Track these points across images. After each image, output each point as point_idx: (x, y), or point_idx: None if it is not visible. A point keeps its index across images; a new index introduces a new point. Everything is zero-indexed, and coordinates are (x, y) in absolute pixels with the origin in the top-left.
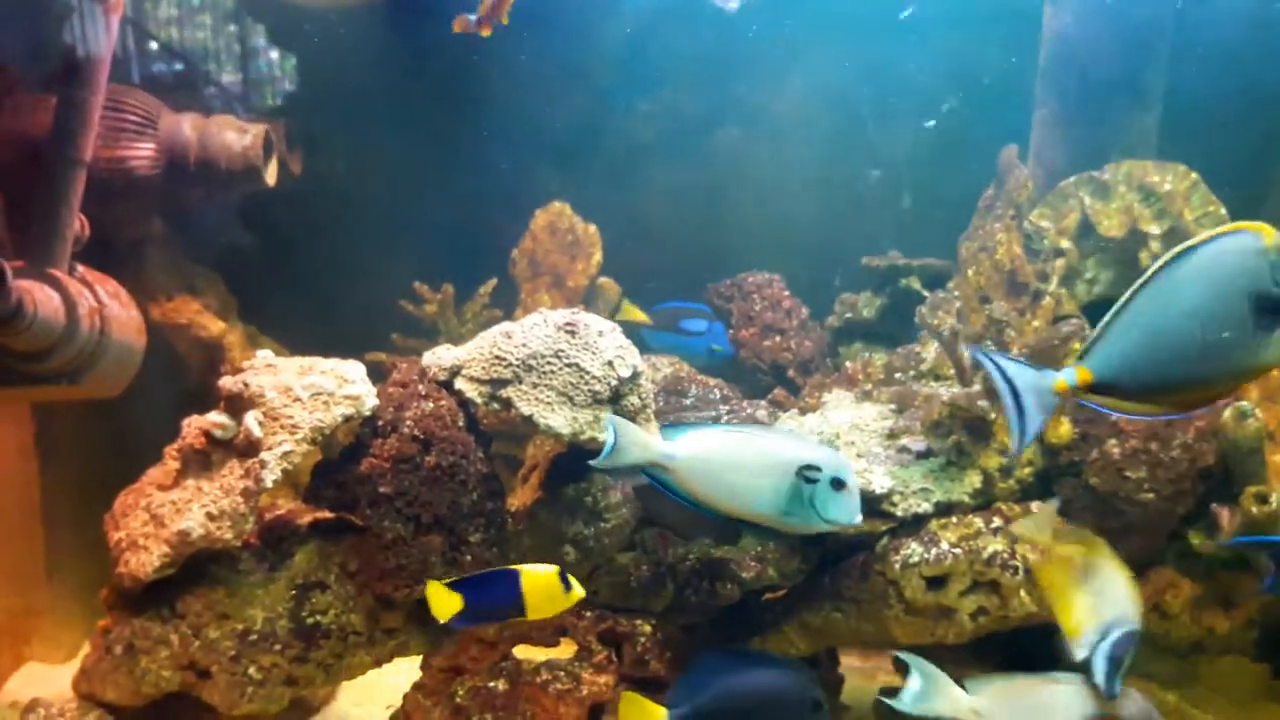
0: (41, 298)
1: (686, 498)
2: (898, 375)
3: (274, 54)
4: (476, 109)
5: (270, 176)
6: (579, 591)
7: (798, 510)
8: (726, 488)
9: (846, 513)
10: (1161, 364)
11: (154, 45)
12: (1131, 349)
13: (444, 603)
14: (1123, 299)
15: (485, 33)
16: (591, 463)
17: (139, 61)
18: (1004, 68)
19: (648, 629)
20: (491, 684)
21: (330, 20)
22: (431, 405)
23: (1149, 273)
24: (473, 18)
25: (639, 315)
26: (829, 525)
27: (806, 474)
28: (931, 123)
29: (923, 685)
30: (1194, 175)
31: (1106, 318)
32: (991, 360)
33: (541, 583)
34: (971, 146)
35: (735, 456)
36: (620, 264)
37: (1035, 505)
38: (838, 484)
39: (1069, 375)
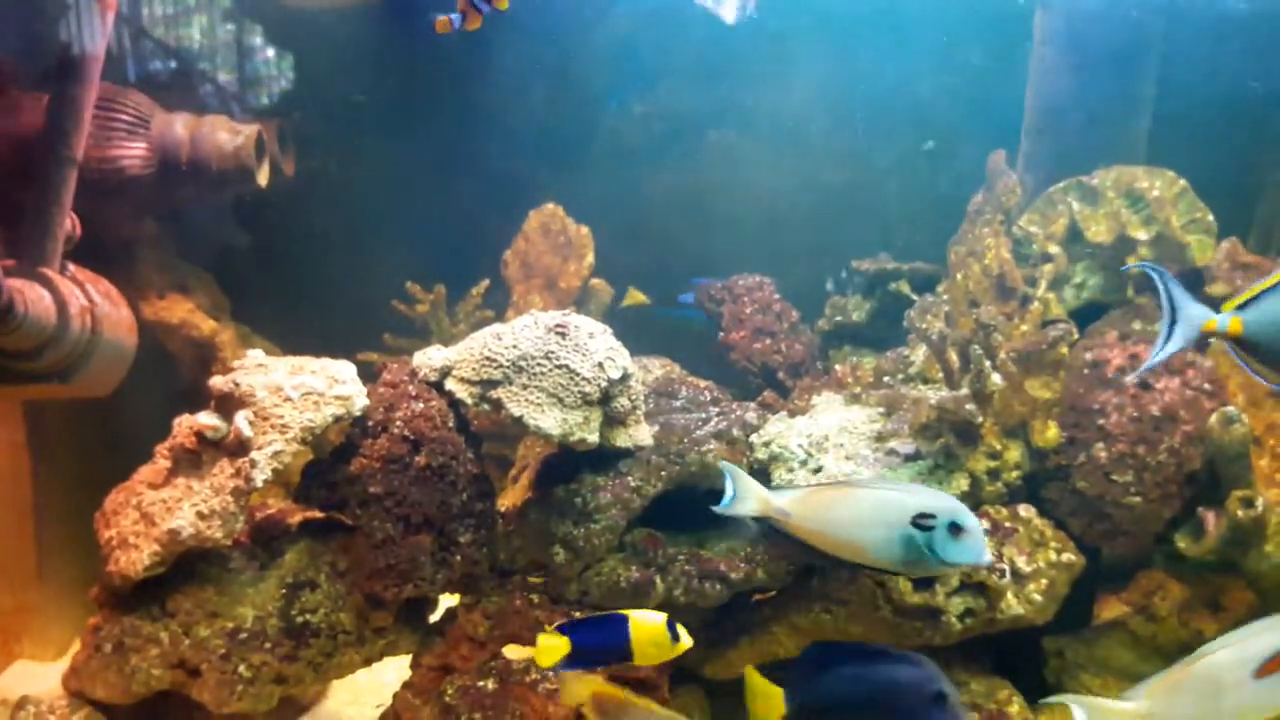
0: (33, 296)
1: (804, 547)
2: (886, 379)
3: (267, 54)
4: (469, 110)
5: (262, 177)
6: (686, 642)
7: (917, 558)
8: (842, 541)
9: (972, 554)
10: None
11: (147, 44)
12: None
13: (551, 650)
14: None
15: (472, 26)
16: (715, 508)
17: (132, 61)
18: (994, 72)
19: None
20: (481, 683)
21: (323, 21)
22: (422, 406)
23: None
24: (454, 16)
25: (641, 297)
26: (954, 568)
27: (920, 523)
28: (930, 144)
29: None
30: (1182, 182)
31: (1270, 279)
32: (1161, 278)
33: (649, 631)
34: (961, 151)
35: (848, 511)
36: (612, 266)
37: (1023, 509)
38: (955, 529)
39: (1223, 320)
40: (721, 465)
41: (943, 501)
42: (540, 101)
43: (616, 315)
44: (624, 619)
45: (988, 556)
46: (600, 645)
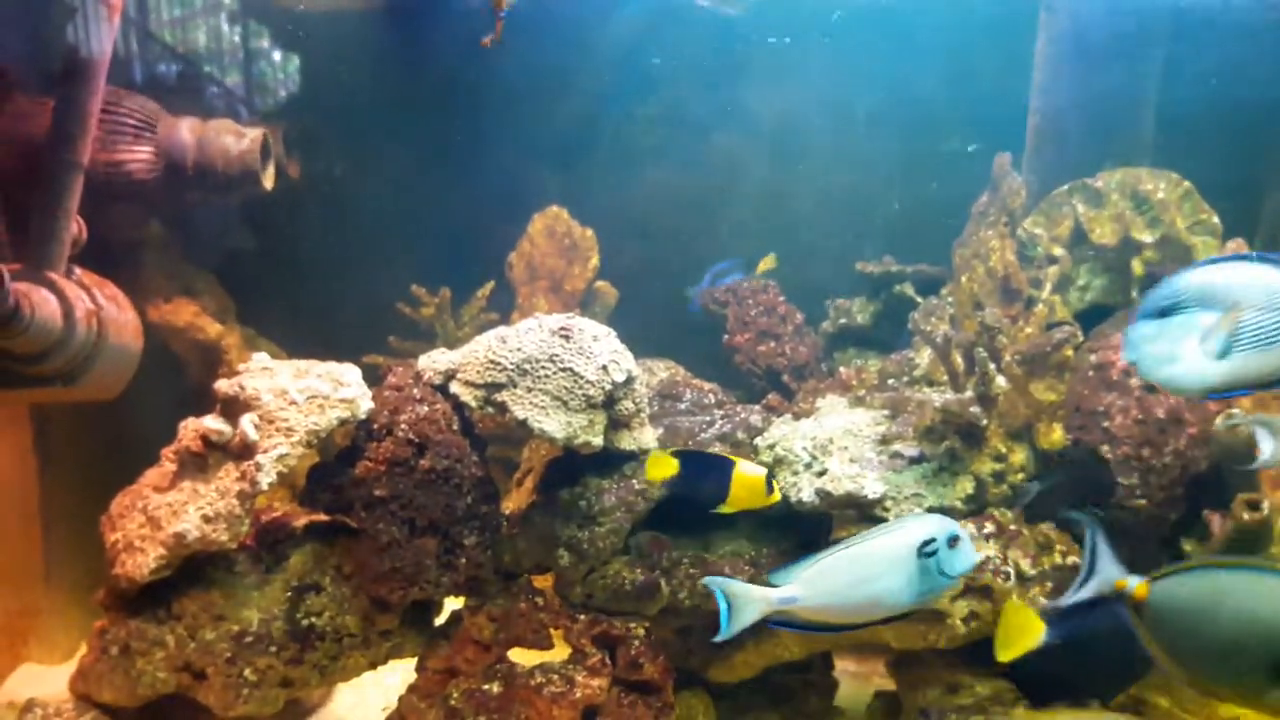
0: (39, 300)
1: (822, 628)
2: (891, 381)
3: (272, 58)
4: (474, 113)
5: (268, 180)
6: (777, 495)
7: (931, 587)
8: (863, 604)
9: (969, 560)
10: None
11: (153, 48)
12: None
13: (662, 464)
14: None
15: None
16: (716, 638)
17: (138, 65)
18: (999, 75)
19: (641, 632)
20: (486, 686)
21: (329, 24)
22: (426, 409)
23: None
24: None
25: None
26: (959, 581)
27: (925, 550)
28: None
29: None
30: (1186, 184)
31: (1192, 561)
32: (1091, 532)
33: (749, 480)
34: (966, 153)
35: (855, 572)
36: (618, 268)
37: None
38: (953, 541)
39: (1132, 582)
40: (706, 583)
41: (932, 524)
42: (545, 104)
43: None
44: (730, 464)
45: (979, 554)
46: (704, 475)
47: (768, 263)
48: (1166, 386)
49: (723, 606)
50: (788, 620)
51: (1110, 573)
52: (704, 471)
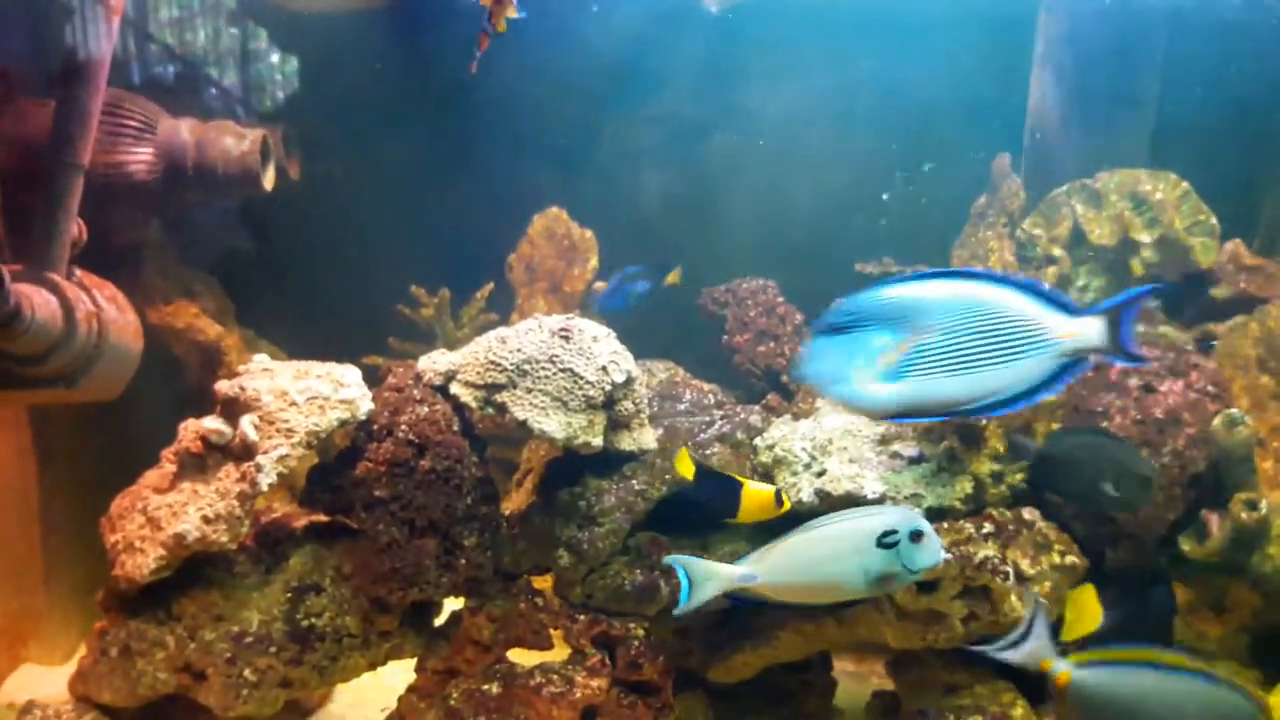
0: (39, 301)
1: (778, 605)
2: None
3: (273, 59)
4: (474, 115)
5: (268, 182)
6: (789, 505)
7: (888, 575)
8: (818, 585)
9: (932, 556)
10: None
11: (153, 49)
12: None
13: (687, 464)
14: None
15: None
16: (676, 611)
17: (138, 66)
18: (998, 76)
19: (641, 632)
20: (485, 686)
21: (329, 26)
22: (426, 410)
23: None
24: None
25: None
26: (921, 575)
27: (885, 540)
28: (928, 166)
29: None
30: (1185, 184)
31: (1127, 652)
32: (1035, 610)
33: (758, 496)
34: (965, 155)
35: (813, 553)
36: (617, 269)
37: (1027, 511)
38: (916, 535)
39: (1057, 666)
40: (667, 561)
41: (895, 515)
42: (544, 105)
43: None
44: (739, 485)
45: (944, 554)
46: (716, 493)
47: (674, 277)
48: (843, 406)
49: (684, 582)
50: (749, 599)
51: (1040, 651)
52: (716, 489)
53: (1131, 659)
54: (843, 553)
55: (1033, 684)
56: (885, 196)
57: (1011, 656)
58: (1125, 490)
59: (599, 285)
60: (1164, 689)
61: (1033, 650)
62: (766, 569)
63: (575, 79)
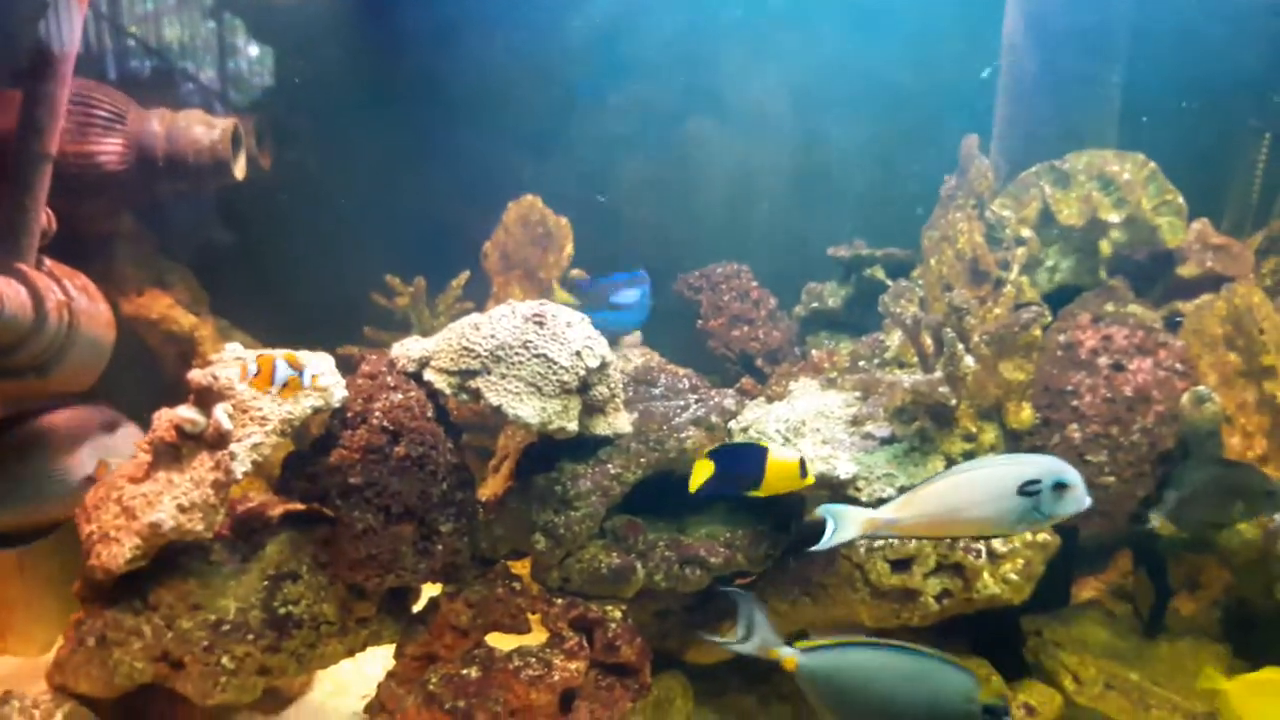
0: (9, 292)
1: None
2: (862, 363)
3: (243, 49)
4: (447, 102)
5: (239, 171)
6: (812, 478)
7: (1030, 520)
8: (956, 527)
9: (1076, 504)
10: None
11: (122, 41)
12: None
13: (702, 471)
14: None
15: None
16: (813, 549)
17: (107, 57)
18: (967, 57)
19: (618, 615)
20: (464, 671)
21: (299, 14)
22: (400, 396)
23: None
24: None
25: (566, 298)
26: (1057, 520)
27: (1027, 489)
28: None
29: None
30: (1152, 165)
31: (843, 638)
32: (744, 603)
33: (782, 466)
34: (934, 136)
35: (954, 499)
36: (592, 256)
37: None
38: (1059, 487)
39: (784, 652)
40: (821, 511)
41: (1040, 464)
42: (517, 93)
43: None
44: (763, 451)
45: (1088, 500)
46: (741, 471)
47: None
48: None
49: (829, 524)
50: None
51: (767, 640)
52: (739, 461)
53: (853, 642)
54: (984, 500)
55: (1007, 659)
56: (857, 178)
57: (745, 649)
58: (1257, 509)
59: (576, 273)
60: (884, 665)
61: (761, 642)
62: (906, 513)
63: (548, 66)
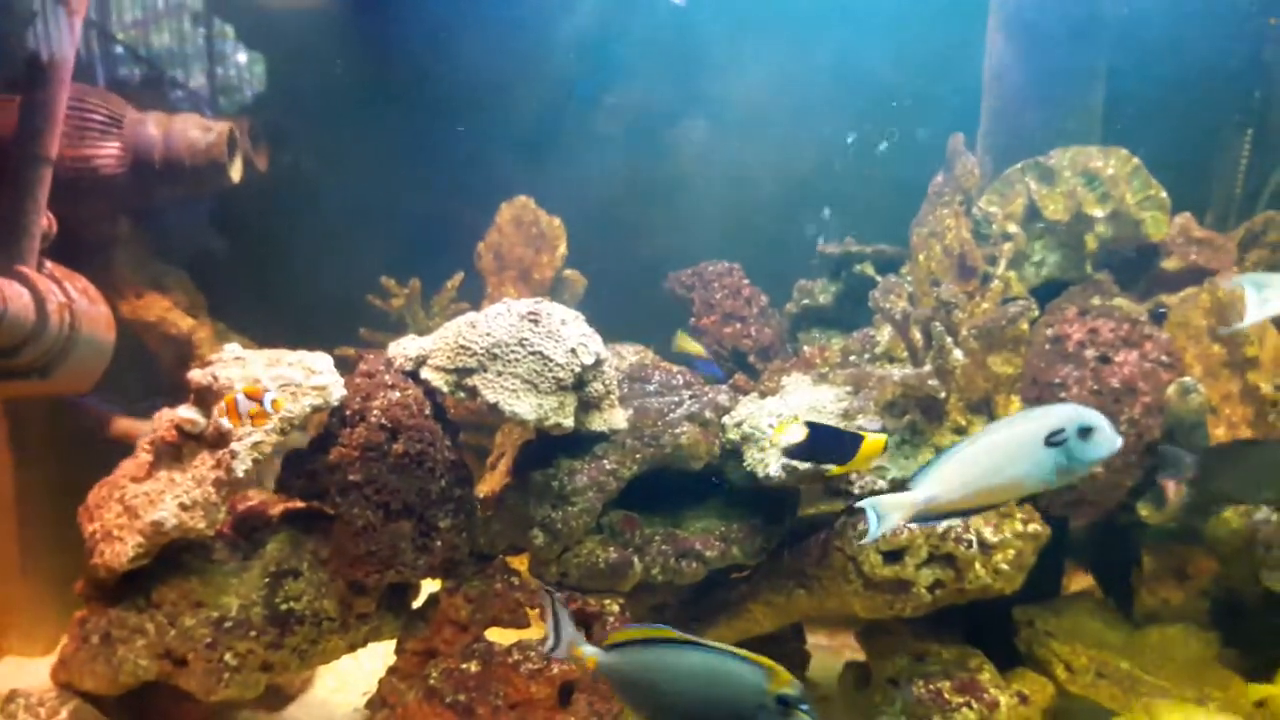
0: (11, 294)
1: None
2: (853, 358)
3: (238, 53)
4: (441, 105)
5: (235, 173)
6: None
7: (1065, 471)
8: (997, 490)
9: (1106, 447)
10: None
11: (119, 46)
12: None
13: (789, 429)
14: None
15: None
16: (863, 541)
17: (105, 62)
18: (953, 56)
19: (616, 608)
20: (464, 665)
21: (295, 19)
22: (398, 394)
23: None
24: None
25: (694, 346)
26: (1094, 465)
27: (1054, 440)
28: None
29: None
30: (1135, 160)
31: (644, 630)
32: (551, 600)
33: (872, 445)
34: (922, 135)
35: (985, 463)
36: (585, 256)
37: None
38: (1084, 432)
39: (587, 651)
40: (859, 505)
41: (1061, 414)
42: (511, 94)
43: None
44: (860, 438)
45: (1119, 440)
46: (833, 445)
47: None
48: None
49: (873, 519)
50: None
51: (574, 641)
52: (835, 436)
53: (654, 638)
54: (1014, 458)
55: (1000, 648)
56: (837, 168)
57: (558, 654)
58: None
59: (569, 273)
60: (679, 663)
61: (568, 642)
62: (944, 487)
63: (541, 67)
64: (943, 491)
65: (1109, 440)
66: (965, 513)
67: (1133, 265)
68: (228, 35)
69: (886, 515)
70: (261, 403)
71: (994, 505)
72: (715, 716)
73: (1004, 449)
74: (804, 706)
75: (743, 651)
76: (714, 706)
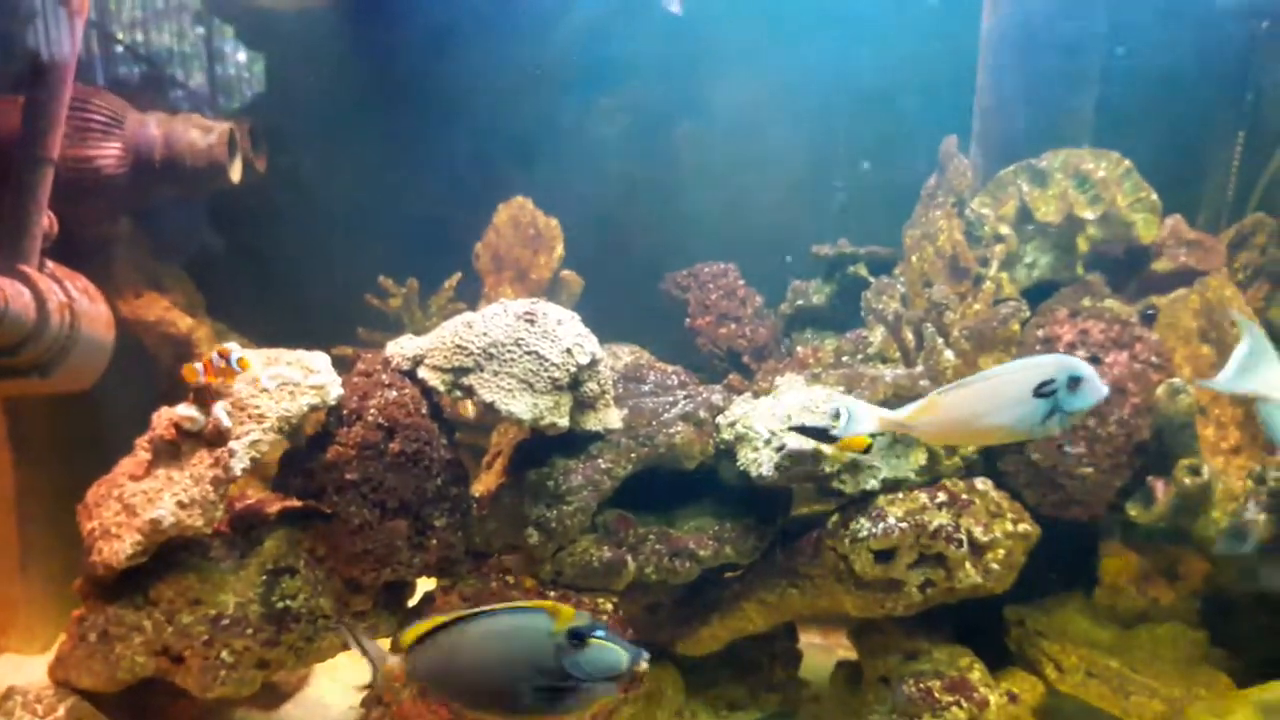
0: (12, 293)
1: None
2: (846, 359)
3: (239, 54)
4: (439, 106)
5: (235, 174)
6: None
7: (1049, 421)
8: (980, 434)
9: (1093, 395)
10: None
11: (120, 47)
12: None
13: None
14: None
15: None
16: (834, 432)
17: (105, 63)
18: (946, 59)
19: (610, 607)
20: None
21: (294, 20)
22: (395, 394)
23: None
24: None
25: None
26: (1081, 414)
27: (1043, 390)
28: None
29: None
30: (1127, 163)
31: (440, 619)
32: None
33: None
34: (915, 137)
35: (972, 408)
36: (582, 257)
37: (979, 481)
38: (1073, 382)
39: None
40: (832, 405)
41: (1049, 365)
42: (508, 96)
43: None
44: None
45: (1106, 388)
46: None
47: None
48: None
49: (844, 416)
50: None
51: (381, 663)
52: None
53: (440, 624)
54: (1003, 406)
55: (990, 648)
56: (839, 184)
57: (378, 685)
58: None
59: (566, 274)
60: (466, 635)
61: (381, 668)
62: (925, 419)
63: (538, 69)
64: (921, 422)
65: (1096, 389)
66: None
67: (1124, 267)
68: (229, 36)
69: (858, 419)
70: (229, 361)
71: (975, 444)
72: (521, 675)
73: (994, 396)
74: (597, 632)
75: (520, 603)
76: (515, 666)
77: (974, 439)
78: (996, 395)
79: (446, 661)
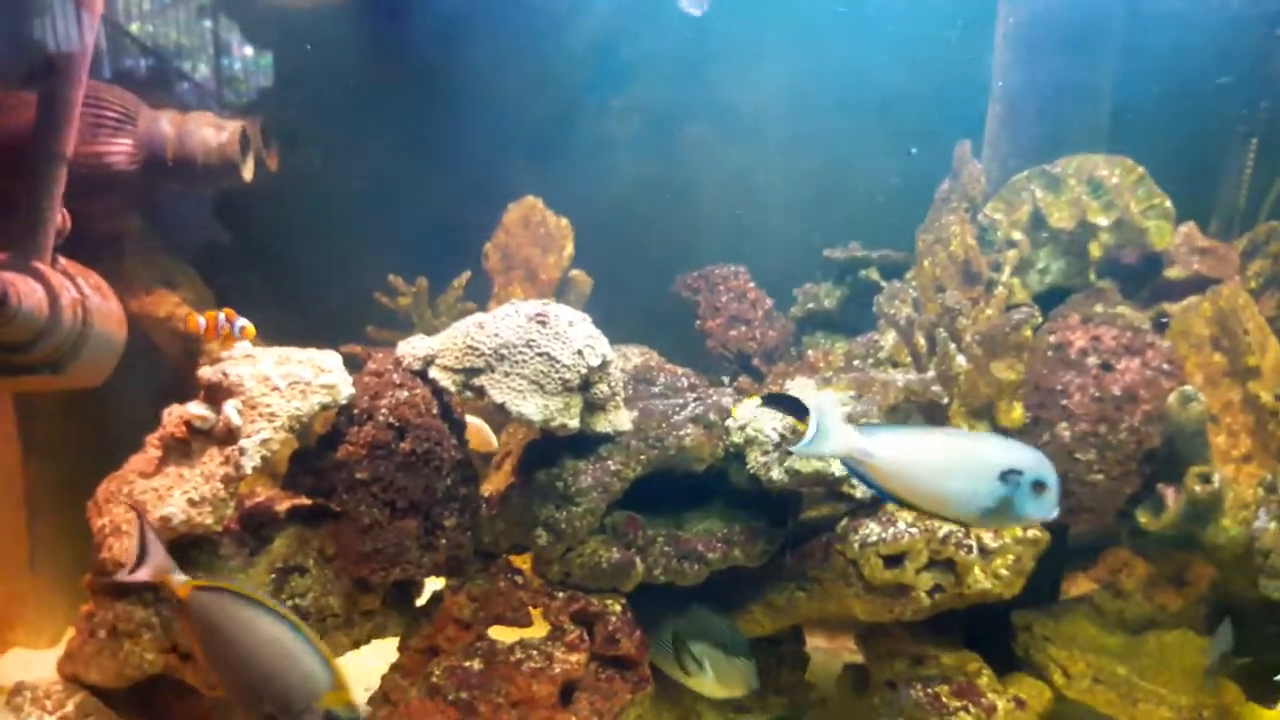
0: (25, 289)
1: (882, 490)
2: (856, 362)
3: (251, 52)
4: (450, 105)
5: (247, 172)
6: None
7: (997, 511)
8: (928, 489)
9: (1044, 511)
10: None
11: (133, 44)
12: None
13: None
14: None
15: None
16: (793, 449)
17: (118, 59)
18: (960, 65)
19: (618, 608)
20: (467, 664)
21: (307, 18)
22: (406, 393)
23: None
24: None
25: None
26: (1022, 523)
27: (1007, 477)
28: (914, 150)
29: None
30: (1140, 169)
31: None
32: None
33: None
34: (929, 142)
35: (937, 459)
36: (592, 257)
37: None
38: (1038, 485)
39: None
40: (811, 402)
41: (1027, 456)
42: (520, 95)
43: None
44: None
45: (1055, 512)
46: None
47: None
48: None
49: (812, 426)
50: (865, 479)
51: (160, 563)
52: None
53: (245, 595)
54: (963, 470)
55: (998, 653)
56: (862, 189)
57: (140, 575)
58: None
59: (576, 274)
60: (262, 627)
61: (157, 565)
62: (888, 454)
63: (550, 68)
64: (883, 459)
65: (1050, 507)
66: (888, 498)
67: (1136, 273)
68: (242, 34)
69: (824, 438)
70: (231, 327)
71: (912, 507)
72: (269, 693)
73: (960, 459)
74: None
75: (326, 650)
76: (271, 686)
77: (921, 499)
78: (962, 459)
79: (229, 625)
